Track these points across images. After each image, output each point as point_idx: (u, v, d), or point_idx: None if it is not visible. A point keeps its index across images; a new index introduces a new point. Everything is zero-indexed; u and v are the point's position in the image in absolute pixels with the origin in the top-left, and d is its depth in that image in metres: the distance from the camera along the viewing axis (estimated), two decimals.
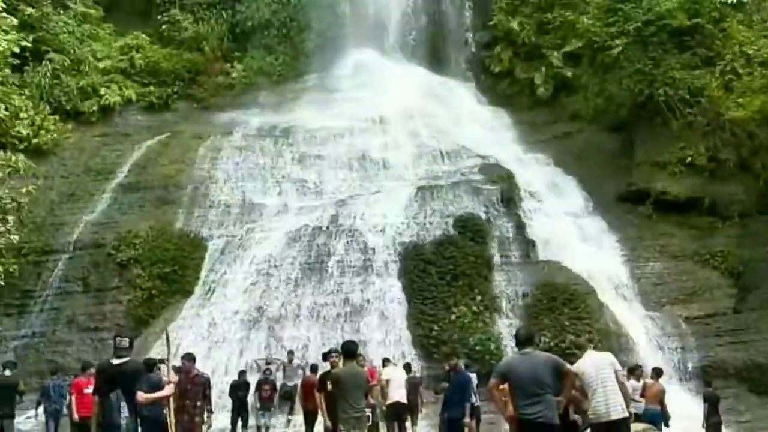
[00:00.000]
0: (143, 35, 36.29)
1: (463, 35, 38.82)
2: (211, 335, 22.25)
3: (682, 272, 25.56)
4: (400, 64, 36.71)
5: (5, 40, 19.62)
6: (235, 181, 28.66)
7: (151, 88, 34.82)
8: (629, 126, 29.87)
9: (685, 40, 28.11)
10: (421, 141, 30.95)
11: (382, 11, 38.30)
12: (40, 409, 18.95)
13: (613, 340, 21.62)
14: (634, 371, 16.37)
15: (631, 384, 14.52)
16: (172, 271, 25.07)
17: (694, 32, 28.17)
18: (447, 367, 15.71)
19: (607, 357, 11.18)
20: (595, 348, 14.74)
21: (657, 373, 16.92)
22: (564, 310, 22.51)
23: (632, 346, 21.97)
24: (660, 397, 15.90)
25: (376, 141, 30.70)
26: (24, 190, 18.43)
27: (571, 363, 10.02)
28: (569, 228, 26.68)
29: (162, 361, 13.58)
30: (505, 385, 8.94)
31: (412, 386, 17.67)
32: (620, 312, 23.36)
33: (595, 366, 10.72)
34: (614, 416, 10.37)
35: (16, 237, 16.30)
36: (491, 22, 37.07)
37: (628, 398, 10.83)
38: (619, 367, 11.06)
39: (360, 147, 30.35)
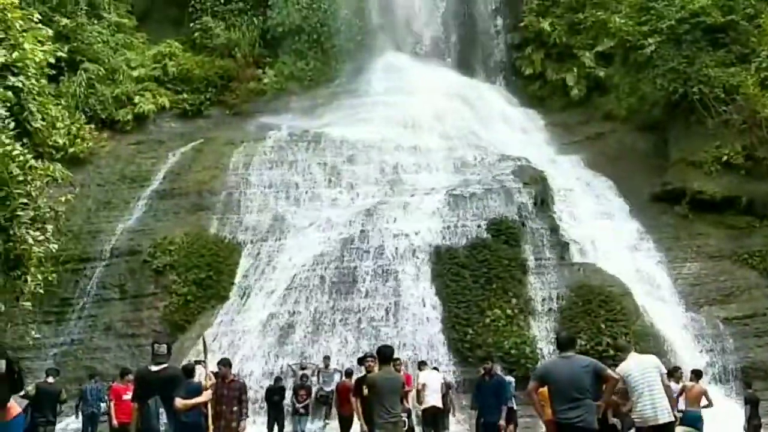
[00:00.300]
0: (176, 43, 36.67)
1: (494, 37, 38.72)
2: (247, 340, 22.40)
3: (719, 272, 25.20)
4: (430, 66, 36.63)
5: (41, 51, 19.85)
6: (268, 186, 28.79)
7: (185, 95, 35.22)
8: (663, 125, 29.58)
9: (719, 37, 27.74)
10: (453, 144, 30.88)
11: (412, 15, 38.34)
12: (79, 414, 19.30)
13: (651, 342, 21.35)
14: (674, 373, 16.18)
15: (671, 386, 14.36)
16: (207, 276, 25.27)
17: (728, 29, 27.78)
18: (482, 371, 15.66)
19: (653, 360, 11.06)
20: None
21: (696, 375, 16.70)
22: (600, 312, 22.31)
23: (670, 348, 21.67)
24: (700, 399, 15.70)
25: (407, 144, 30.65)
26: (63, 199, 18.63)
27: (608, 366, 9.92)
28: (604, 229, 26.43)
29: (199, 362, 13.72)
30: (544, 389, 8.89)
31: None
32: (657, 313, 23.09)
33: (640, 369, 10.60)
34: (662, 420, 10.27)
35: (55, 246, 16.49)
36: (522, 24, 36.96)
37: (673, 402, 10.72)
38: (664, 370, 10.98)
39: (391, 151, 30.33)
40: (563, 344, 8.92)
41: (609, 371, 9.15)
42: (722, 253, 25.71)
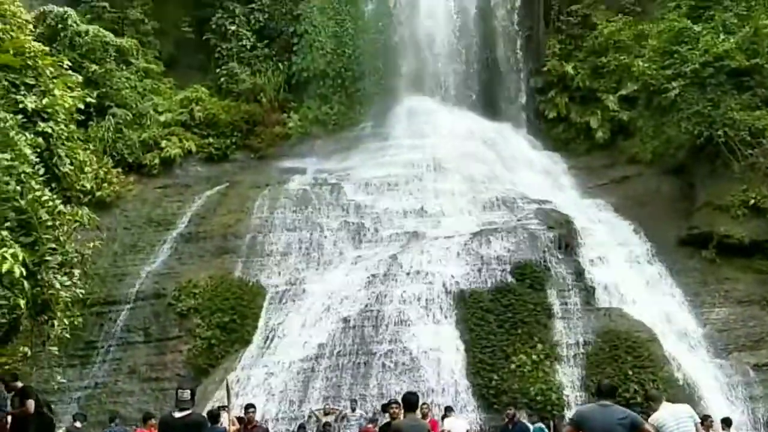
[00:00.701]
0: (203, 88, 37.18)
1: (517, 81, 38.85)
2: (270, 385, 22.31)
3: (748, 318, 24.81)
4: (454, 110, 36.86)
5: (70, 97, 20.17)
6: (292, 230, 28.89)
7: (210, 139, 35.61)
8: (689, 169, 29.41)
9: (744, 80, 27.61)
10: (477, 187, 30.86)
11: (435, 59, 38.59)
12: None
13: (679, 389, 21.04)
14: (704, 422, 15.85)
15: None
16: (231, 320, 25.31)
17: (753, 73, 27.65)
18: (505, 419, 15.47)
19: (686, 409, 10.93)
20: None
21: (727, 423, 16.43)
22: (627, 358, 22.05)
23: (698, 395, 21.28)
24: None
25: (431, 187, 30.72)
26: (90, 245, 18.79)
27: (637, 414, 9.75)
28: (630, 274, 26.20)
29: (222, 408, 13.68)
30: None
31: None
32: (685, 360, 22.75)
33: (674, 419, 10.44)
34: None
35: (82, 290, 16.57)
36: (545, 68, 37.12)
37: None
38: (698, 419, 10.80)
39: (415, 194, 30.44)
40: (604, 392, 8.80)
41: (646, 426, 9.00)
42: (751, 298, 25.31)
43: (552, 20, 38.25)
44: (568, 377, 21.95)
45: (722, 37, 27.47)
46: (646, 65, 29.88)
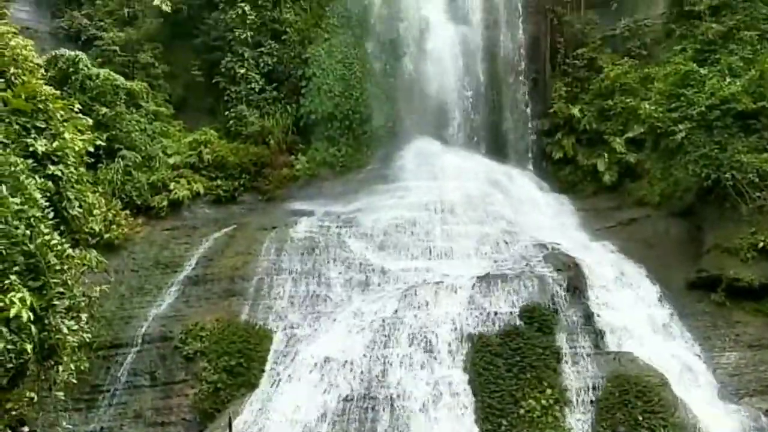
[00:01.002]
0: (212, 131, 37.46)
1: (524, 123, 39.10)
2: (277, 430, 22.11)
3: (759, 362, 24.52)
4: (461, 152, 37.02)
5: (81, 140, 20.41)
6: (299, 272, 28.84)
7: (219, 181, 35.77)
8: (697, 211, 29.36)
9: (750, 123, 27.61)
10: (484, 229, 30.82)
11: (442, 101, 38.90)
12: None
13: None
14: None
15: None
16: (237, 363, 25.16)
17: (759, 115, 27.64)
18: None
19: None
20: None
21: None
22: (637, 403, 21.75)
23: None
24: None
25: (438, 230, 30.70)
26: (98, 288, 18.85)
27: None
28: (639, 317, 25.98)
29: None
30: None
31: None
32: (696, 405, 22.44)
33: None
34: None
35: (89, 335, 16.62)
36: (551, 110, 37.38)
37: None
38: None
39: (422, 236, 30.39)
40: None
41: None
42: (761, 342, 25.06)
43: (558, 63, 38.58)
44: (578, 422, 21.69)
45: (728, 80, 27.59)
46: (652, 108, 29.98)
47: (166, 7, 38.25)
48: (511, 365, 23.01)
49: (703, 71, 28.46)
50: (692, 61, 29.08)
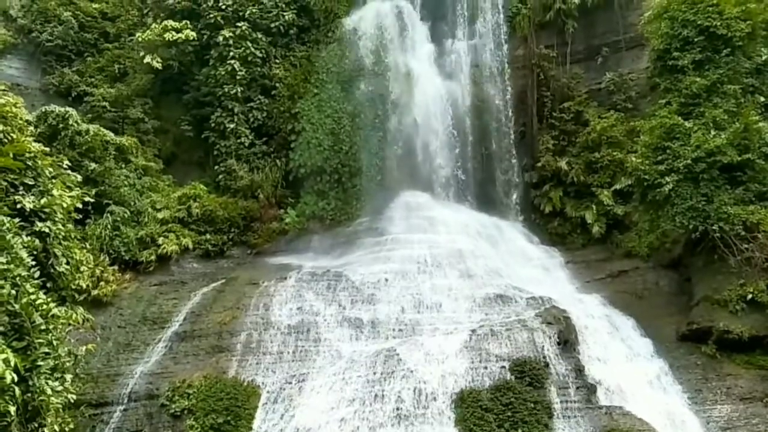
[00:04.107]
0: (201, 185, 37.58)
1: (512, 175, 39.36)
2: None
3: (751, 415, 24.34)
4: (450, 204, 37.23)
5: (69, 196, 20.41)
6: (288, 327, 28.60)
7: (208, 235, 35.76)
8: (686, 263, 29.46)
9: (736, 175, 27.86)
10: (474, 282, 30.77)
11: (430, 154, 39.16)
12: None
13: None
14: None
15: None
16: (225, 421, 24.78)
17: (745, 167, 27.89)
18: None
19: None
20: None
21: None
22: None
23: None
24: None
25: (428, 283, 30.61)
26: (83, 348, 18.66)
27: None
28: (631, 370, 25.86)
29: None
30: None
31: None
32: None
33: None
34: None
35: (74, 396, 16.37)
36: (539, 163, 37.67)
37: None
38: None
39: (412, 289, 30.27)
40: None
41: None
42: (753, 395, 24.91)
43: (545, 117, 39.03)
44: None
45: (713, 133, 27.86)
46: (638, 161, 30.22)
47: (157, 64, 38.67)
48: (502, 420, 22.78)
49: (688, 124, 28.73)
50: (677, 114, 29.37)
